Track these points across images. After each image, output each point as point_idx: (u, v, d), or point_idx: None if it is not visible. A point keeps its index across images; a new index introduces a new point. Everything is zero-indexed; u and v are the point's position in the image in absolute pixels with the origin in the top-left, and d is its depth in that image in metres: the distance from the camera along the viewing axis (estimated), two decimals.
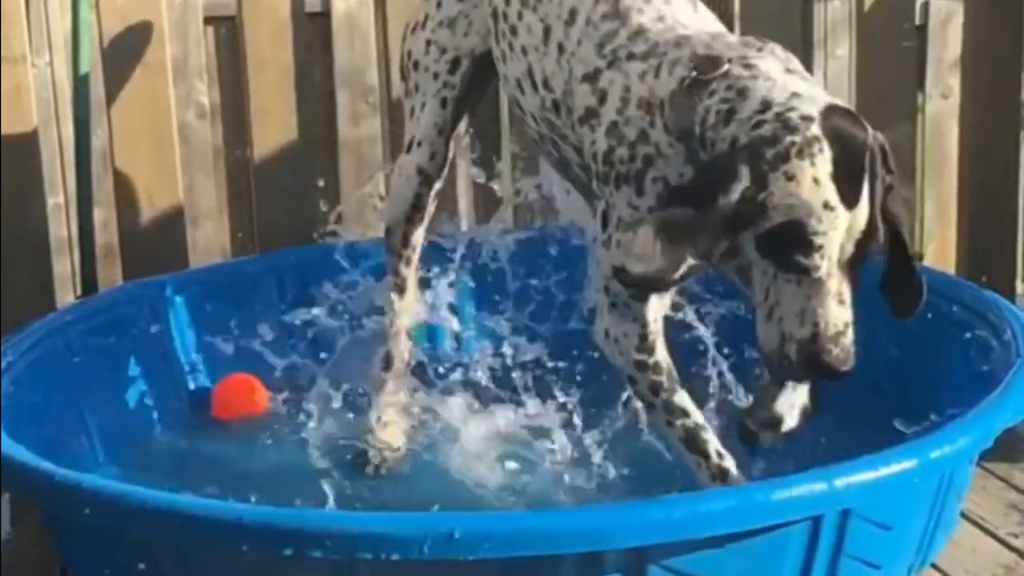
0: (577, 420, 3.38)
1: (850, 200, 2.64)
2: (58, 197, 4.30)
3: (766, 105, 2.69)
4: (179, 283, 3.86)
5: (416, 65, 3.46)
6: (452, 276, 3.97)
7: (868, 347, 3.50)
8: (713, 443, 2.96)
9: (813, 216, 2.62)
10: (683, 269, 2.66)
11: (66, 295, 4.17)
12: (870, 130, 2.70)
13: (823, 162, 2.63)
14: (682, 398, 2.99)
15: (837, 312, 2.69)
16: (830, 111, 2.68)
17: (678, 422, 2.97)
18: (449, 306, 3.97)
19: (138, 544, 2.78)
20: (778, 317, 2.72)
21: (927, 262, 4.40)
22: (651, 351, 2.98)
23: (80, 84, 4.00)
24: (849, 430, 3.39)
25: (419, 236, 3.52)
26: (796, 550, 2.69)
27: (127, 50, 4.09)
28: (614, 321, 2.98)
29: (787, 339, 2.72)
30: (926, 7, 4.41)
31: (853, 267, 2.69)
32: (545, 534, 2.55)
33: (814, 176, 2.63)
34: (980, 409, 2.91)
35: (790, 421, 3.12)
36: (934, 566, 3.07)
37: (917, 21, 4.40)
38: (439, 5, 3.44)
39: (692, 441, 2.96)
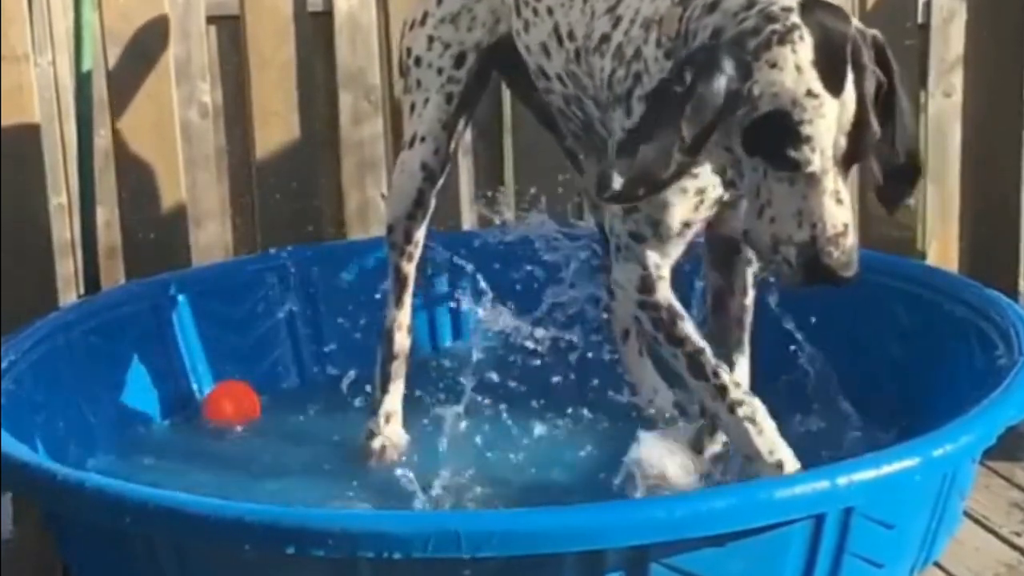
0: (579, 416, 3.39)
1: (834, 87, 2.63)
2: (61, 197, 4.31)
3: (751, 3, 2.71)
4: (181, 282, 3.86)
5: (418, 61, 3.47)
6: (453, 272, 3.99)
7: (870, 346, 3.53)
8: (711, 364, 2.93)
9: (797, 104, 2.62)
10: (673, 167, 2.65)
11: (69, 295, 4.18)
12: (855, 23, 2.72)
13: (804, 49, 2.64)
14: (682, 327, 2.96)
15: (835, 212, 2.66)
16: (811, 3, 2.70)
17: (680, 351, 2.95)
18: (450, 301, 3.99)
19: (140, 543, 2.78)
20: (769, 217, 2.70)
21: (929, 260, 4.40)
22: (651, 291, 2.97)
23: (82, 83, 4.00)
24: (851, 429, 3.39)
25: (421, 233, 3.52)
26: (798, 548, 2.69)
27: (130, 49, 4.09)
28: (620, 269, 3.00)
29: (784, 241, 2.69)
30: (928, 5, 4.41)
31: (848, 165, 2.68)
32: (548, 533, 2.55)
33: (796, 63, 2.64)
34: (983, 407, 2.90)
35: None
36: (937, 564, 3.07)
37: (919, 19, 4.40)
38: (440, 1, 3.45)
39: (694, 366, 2.94)
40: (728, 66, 2.63)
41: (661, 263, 2.98)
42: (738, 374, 3.11)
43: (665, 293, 2.99)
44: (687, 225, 2.94)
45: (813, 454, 3.11)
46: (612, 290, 3.08)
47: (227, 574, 2.76)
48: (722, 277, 3.14)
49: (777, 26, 2.66)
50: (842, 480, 2.64)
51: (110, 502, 2.71)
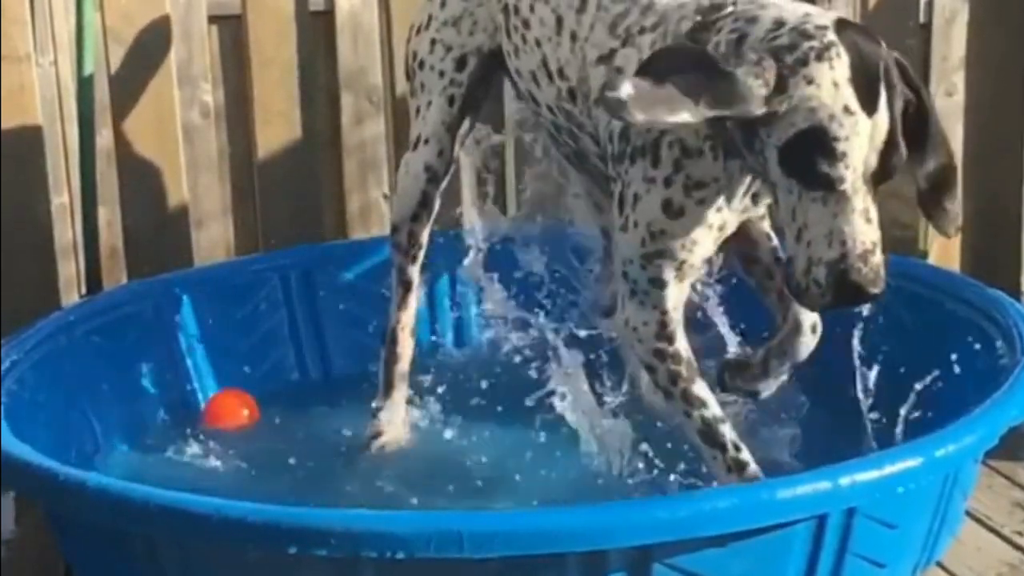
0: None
1: (869, 105, 2.65)
2: (62, 197, 4.31)
3: (779, 24, 2.72)
4: (183, 282, 3.86)
5: (422, 64, 3.48)
6: (455, 271, 3.99)
7: (870, 346, 3.52)
8: (730, 435, 2.93)
9: (835, 120, 2.63)
10: (677, 119, 2.60)
11: (71, 295, 4.17)
12: (883, 43, 2.73)
13: (841, 66, 2.65)
14: (701, 388, 2.96)
15: (864, 230, 2.67)
16: (843, 23, 2.72)
17: (696, 413, 2.95)
18: (452, 301, 3.99)
19: (142, 543, 2.78)
20: (807, 240, 2.71)
21: (931, 260, 4.40)
22: (671, 339, 2.96)
23: (84, 83, 4.00)
24: (853, 429, 3.38)
25: (425, 234, 3.52)
26: (801, 549, 2.69)
27: (131, 50, 4.08)
28: (634, 310, 2.97)
29: (815, 263, 2.70)
30: (930, 5, 4.41)
31: (876, 184, 2.69)
32: (550, 533, 2.55)
33: (833, 79, 2.64)
34: (985, 407, 2.91)
35: (766, 392, 3.16)
36: (939, 564, 3.07)
37: (921, 19, 4.40)
38: (443, 5, 3.46)
39: (709, 432, 2.94)
40: (767, 73, 2.62)
41: (679, 305, 2.98)
42: (806, 336, 3.09)
43: (685, 343, 2.98)
44: (705, 261, 2.97)
45: (814, 454, 3.12)
46: (620, 333, 3.05)
47: (229, 574, 2.76)
48: (740, 243, 3.13)
49: (814, 43, 2.66)
50: (844, 480, 2.64)
51: (112, 502, 2.72)
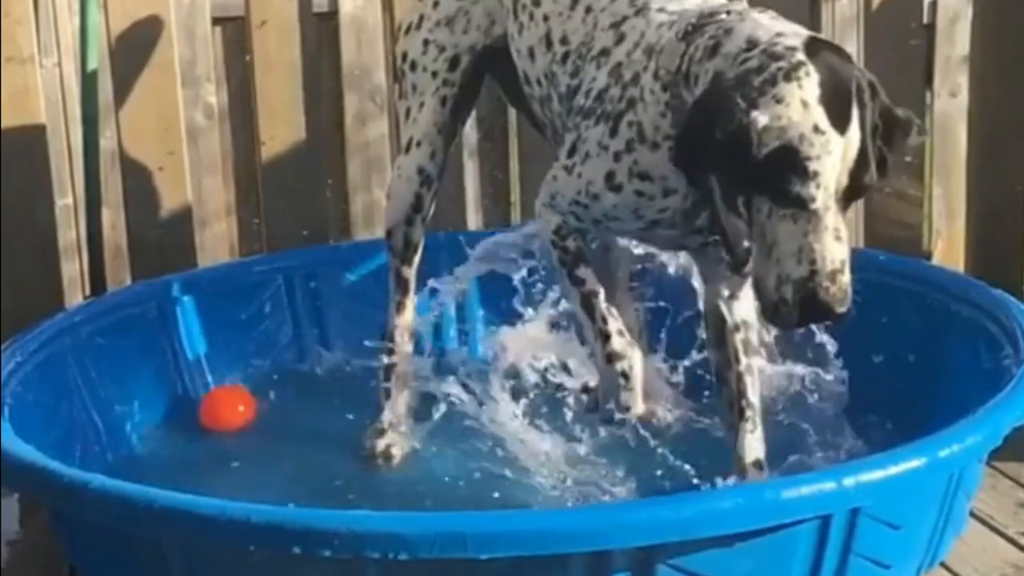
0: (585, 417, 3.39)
1: (840, 124, 2.65)
2: (67, 198, 4.31)
3: (752, 43, 2.74)
4: (186, 283, 3.87)
5: (413, 65, 3.47)
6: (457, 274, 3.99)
7: (875, 346, 3.53)
8: (600, 309, 3.08)
9: (805, 140, 2.63)
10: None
11: (75, 296, 4.18)
12: (855, 61, 2.74)
13: (810, 85, 2.65)
14: (582, 271, 3.12)
15: (834, 248, 2.67)
16: (814, 41, 2.73)
17: (574, 289, 3.12)
18: (455, 304, 3.99)
19: (146, 544, 2.78)
20: (776, 257, 2.71)
21: (935, 260, 4.40)
22: (563, 238, 3.12)
23: (88, 84, 4.00)
24: (857, 430, 3.38)
25: (420, 237, 3.52)
26: (805, 549, 2.69)
27: (135, 51, 4.09)
28: (548, 212, 3.12)
29: (783, 281, 2.70)
30: (934, 5, 4.41)
31: (847, 202, 2.69)
32: (554, 533, 2.55)
33: (802, 99, 2.65)
34: (989, 408, 2.90)
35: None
36: (943, 565, 3.07)
37: (925, 19, 4.40)
38: (436, 4, 3.46)
39: (586, 305, 3.10)
40: (739, 100, 2.64)
41: (580, 227, 3.11)
42: (748, 447, 3.07)
43: (578, 242, 3.12)
44: (615, 219, 3.01)
45: (817, 454, 3.12)
46: (536, 214, 3.19)
47: (233, 574, 2.76)
48: (720, 352, 3.14)
49: (782, 63, 2.67)
50: (848, 481, 2.63)
51: (116, 503, 2.72)
